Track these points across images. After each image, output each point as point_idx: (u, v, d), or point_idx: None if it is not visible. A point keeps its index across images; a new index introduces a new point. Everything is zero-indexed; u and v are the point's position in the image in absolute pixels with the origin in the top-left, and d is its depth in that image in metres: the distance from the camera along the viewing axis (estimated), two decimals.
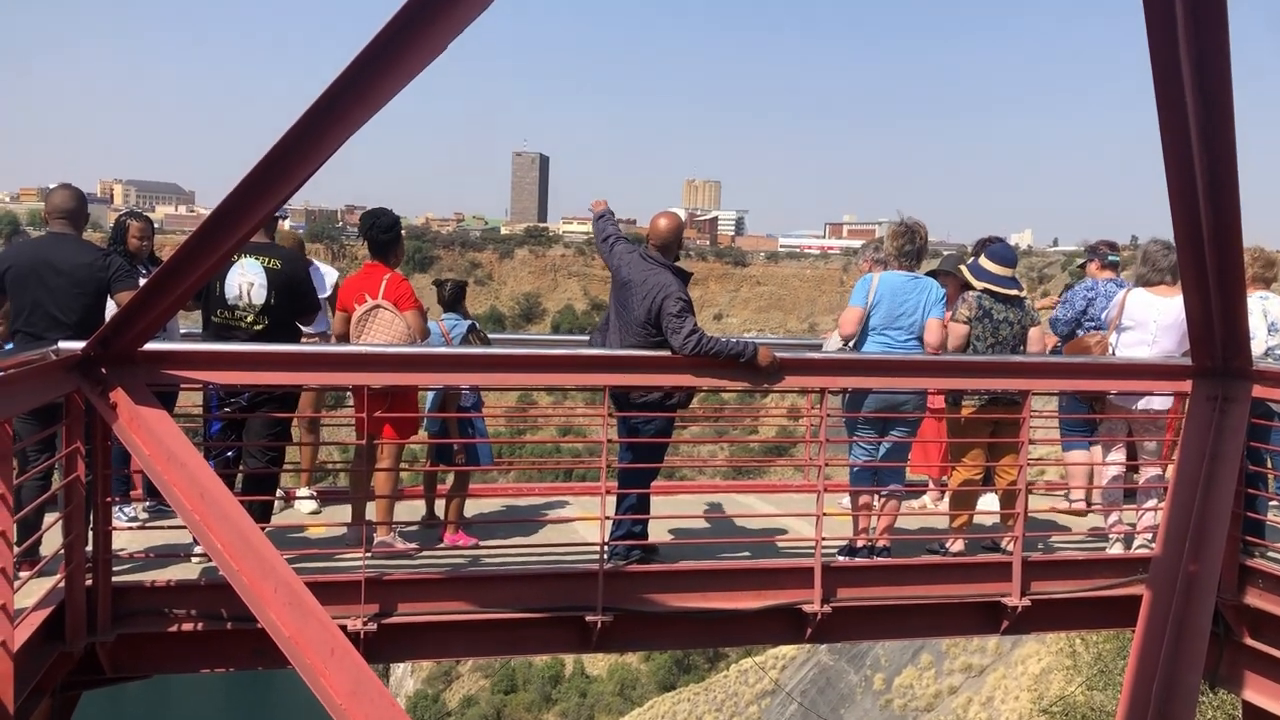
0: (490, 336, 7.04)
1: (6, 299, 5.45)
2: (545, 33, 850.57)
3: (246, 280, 5.76)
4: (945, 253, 9.90)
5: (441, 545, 6.00)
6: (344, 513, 6.39)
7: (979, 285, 6.44)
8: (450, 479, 6.54)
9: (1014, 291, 6.47)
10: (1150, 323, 6.43)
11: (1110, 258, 7.52)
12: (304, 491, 6.92)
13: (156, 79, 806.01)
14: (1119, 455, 6.63)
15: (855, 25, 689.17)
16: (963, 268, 6.72)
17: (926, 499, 7.73)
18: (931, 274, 6.96)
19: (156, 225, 6.87)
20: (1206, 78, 4.06)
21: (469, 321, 6.60)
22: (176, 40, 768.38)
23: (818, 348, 7.49)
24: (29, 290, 5.34)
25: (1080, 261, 7.98)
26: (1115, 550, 6.38)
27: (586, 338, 6.52)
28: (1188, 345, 5.83)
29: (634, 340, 5.60)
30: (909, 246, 6.22)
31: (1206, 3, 3.81)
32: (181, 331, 6.64)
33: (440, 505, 6.46)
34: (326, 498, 6.97)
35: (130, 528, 5.69)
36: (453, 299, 6.75)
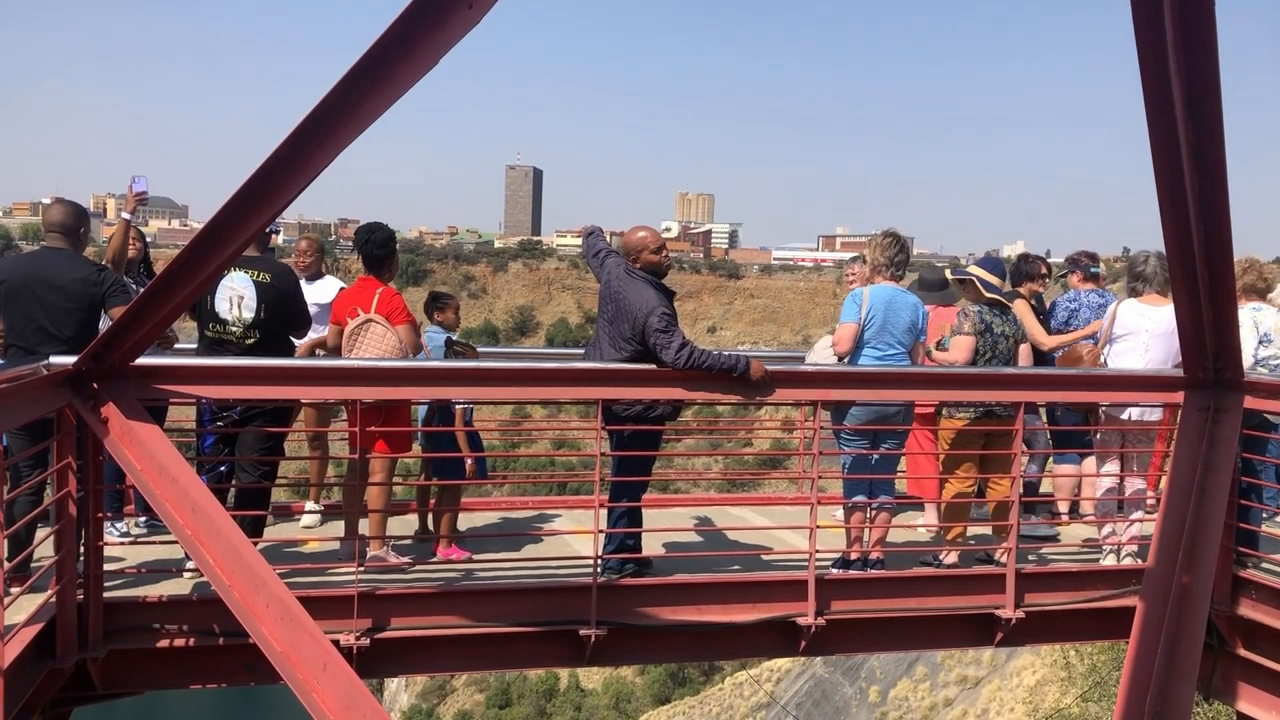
0: (480, 350, 7.03)
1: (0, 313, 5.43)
2: (539, 47, 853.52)
3: (236, 294, 5.75)
4: (938, 264, 9.90)
5: (434, 559, 5.98)
6: (337, 527, 6.38)
7: (989, 297, 6.44)
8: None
9: (1006, 301, 6.50)
10: (1142, 331, 6.47)
11: (1092, 269, 7.55)
12: (311, 505, 6.90)
13: (151, 93, 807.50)
14: (1112, 466, 6.64)
15: (847, 39, 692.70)
16: (974, 279, 6.57)
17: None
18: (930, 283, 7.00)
19: (150, 239, 6.87)
20: (1196, 90, 4.08)
21: (449, 335, 6.62)
22: (170, 55, 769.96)
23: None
24: (22, 304, 5.32)
25: (1062, 273, 8.00)
26: (1108, 561, 6.38)
27: (580, 351, 6.51)
28: (1178, 353, 5.84)
29: (620, 355, 5.59)
30: (900, 256, 6.23)
31: (1195, 17, 3.84)
32: (177, 345, 6.62)
33: (433, 519, 6.45)
34: (323, 512, 6.94)
35: (122, 543, 5.68)
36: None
